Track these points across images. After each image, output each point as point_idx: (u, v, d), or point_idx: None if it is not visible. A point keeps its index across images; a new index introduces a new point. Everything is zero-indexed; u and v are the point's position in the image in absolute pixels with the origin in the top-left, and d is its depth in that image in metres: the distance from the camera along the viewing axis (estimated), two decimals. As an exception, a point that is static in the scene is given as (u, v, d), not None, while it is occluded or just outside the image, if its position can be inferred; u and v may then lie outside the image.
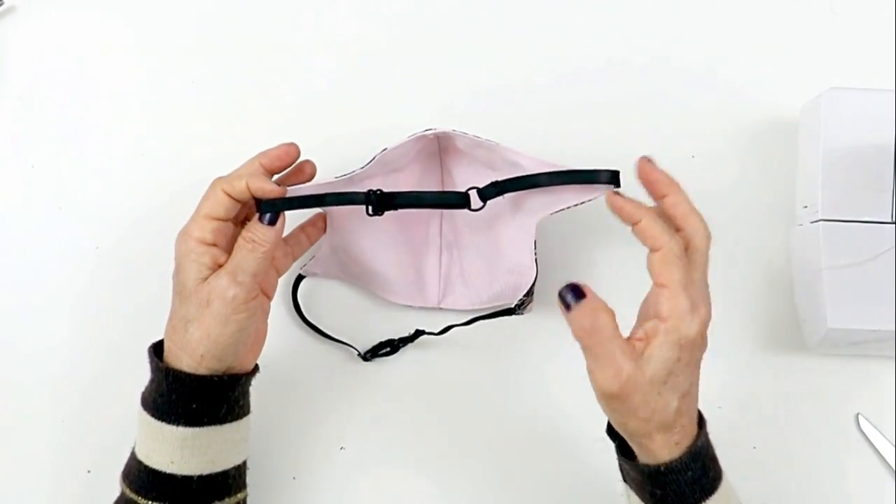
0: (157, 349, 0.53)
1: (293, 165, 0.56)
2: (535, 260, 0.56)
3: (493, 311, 0.60)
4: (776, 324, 0.64)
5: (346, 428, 0.62)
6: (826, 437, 0.62)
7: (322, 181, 0.57)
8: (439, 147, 0.61)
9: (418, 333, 0.62)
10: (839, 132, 0.60)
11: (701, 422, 0.49)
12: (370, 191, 0.54)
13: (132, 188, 0.66)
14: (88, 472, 0.61)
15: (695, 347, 0.46)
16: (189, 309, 0.50)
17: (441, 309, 0.64)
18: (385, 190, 0.55)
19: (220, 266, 0.51)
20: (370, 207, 0.55)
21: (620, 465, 0.51)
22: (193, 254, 0.51)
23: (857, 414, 0.62)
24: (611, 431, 0.51)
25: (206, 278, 0.51)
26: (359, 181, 0.58)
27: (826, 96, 0.60)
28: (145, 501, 0.50)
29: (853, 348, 0.61)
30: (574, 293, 0.46)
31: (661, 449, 0.46)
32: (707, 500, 0.47)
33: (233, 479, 0.52)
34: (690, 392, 0.47)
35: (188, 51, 0.69)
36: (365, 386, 0.63)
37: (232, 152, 0.67)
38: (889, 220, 0.59)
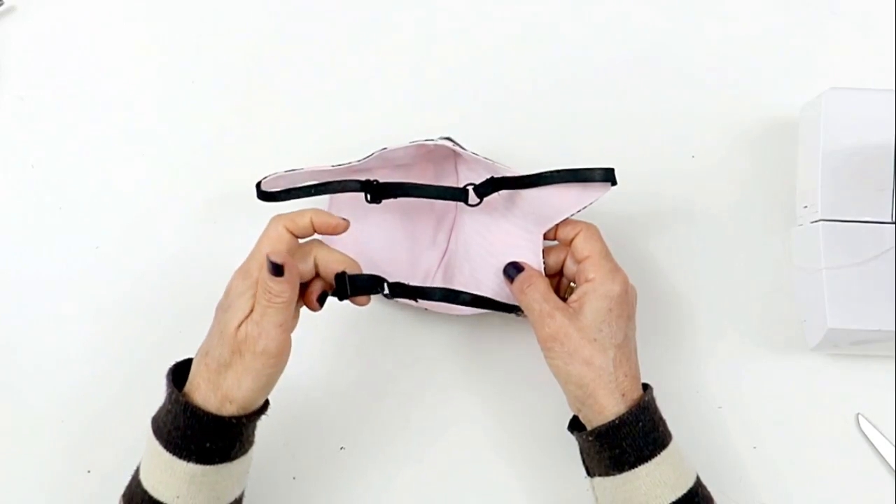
0: (175, 374, 0.51)
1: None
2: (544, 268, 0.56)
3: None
4: (776, 324, 0.63)
5: (346, 428, 0.62)
6: (826, 437, 0.62)
7: (318, 167, 0.59)
8: (453, 150, 0.61)
9: (408, 291, 0.57)
10: (839, 132, 0.60)
11: (646, 386, 0.54)
12: (368, 180, 0.58)
13: (132, 188, 0.66)
14: (88, 472, 0.61)
15: (623, 303, 0.53)
16: (224, 352, 0.49)
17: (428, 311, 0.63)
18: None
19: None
20: (368, 195, 0.58)
21: (583, 456, 0.54)
22: (249, 293, 0.49)
23: (858, 414, 0.62)
24: (571, 427, 0.55)
25: (242, 323, 0.49)
26: (361, 174, 0.58)
27: (826, 96, 0.60)
28: None
29: (853, 348, 0.61)
30: (515, 267, 0.56)
31: (608, 400, 0.51)
32: (663, 452, 0.50)
33: None
34: (626, 346, 0.53)
35: (189, 51, 0.69)
36: (365, 386, 0.63)
37: (232, 153, 0.67)
38: (889, 220, 0.59)
